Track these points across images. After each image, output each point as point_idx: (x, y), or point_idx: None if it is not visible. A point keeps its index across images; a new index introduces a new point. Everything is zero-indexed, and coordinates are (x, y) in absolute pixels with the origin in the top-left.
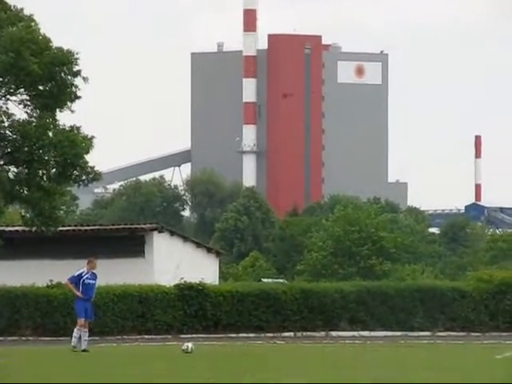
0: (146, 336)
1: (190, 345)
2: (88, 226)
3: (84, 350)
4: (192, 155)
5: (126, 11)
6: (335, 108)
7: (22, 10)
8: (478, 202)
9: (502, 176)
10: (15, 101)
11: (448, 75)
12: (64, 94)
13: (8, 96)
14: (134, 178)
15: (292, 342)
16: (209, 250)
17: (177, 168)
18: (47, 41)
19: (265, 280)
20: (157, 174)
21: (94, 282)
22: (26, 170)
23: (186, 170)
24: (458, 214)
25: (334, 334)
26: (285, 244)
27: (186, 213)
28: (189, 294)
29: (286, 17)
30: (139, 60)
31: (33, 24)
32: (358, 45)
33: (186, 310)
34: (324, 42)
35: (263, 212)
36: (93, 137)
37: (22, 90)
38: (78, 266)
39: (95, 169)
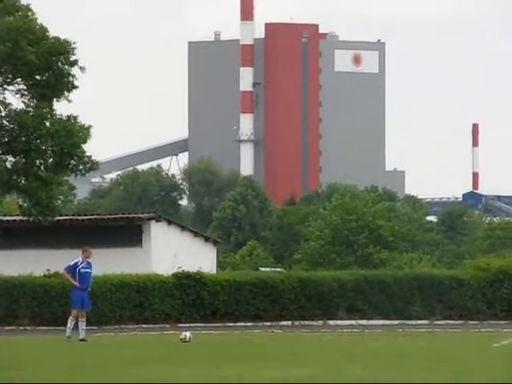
0: (144, 325)
1: (187, 334)
2: (85, 215)
3: (82, 340)
4: (189, 144)
5: (123, 0)
6: (332, 97)
7: None
8: (476, 191)
9: (499, 164)
10: (12, 90)
11: (445, 64)
12: (61, 84)
13: (5, 86)
14: (132, 168)
15: (290, 331)
16: (206, 239)
17: (174, 157)
18: (44, 30)
19: (262, 269)
20: (154, 164)
21: (89, 270)
22: (24, 160)
23: (183, 159)
24: (455, 202)
25: (331, 322)
26: (282, 233)
27: (184, 202)
28: (186, 283)
29: (282, 5)
30: (136, 49)
31: (30, 14)
32: (355, 33)
33: (184, 299)
34: (321, 30)
35: (261, 201)
36: (90, 126)
37: (19, 79)
38: (76, 256)
39: (92, 158)
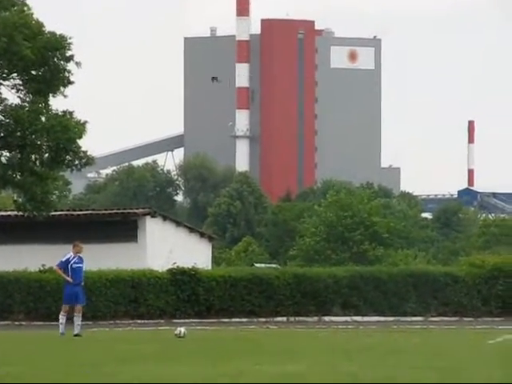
0: (139, 321)
1: (182, 329)
2: (81, 210)
3: (76, 335)
4: (185, 140)
5: None
6: (328, 93)
7: None
8: (471, 187)
9: (494, 161)
10: (8, 85)
11: (441, 60)
12: (57, 79)
13: (1, 81)
14: (127, 163)
15: (285, 327)
16: (202, 235)
17: (170, 153)
18: (40, 25)
19: (257, 265)
20: (150, 159)
21: (81, 265)
22: (19, 155)
23: (178, 154)
24: (450, 199)
25: (326, 318)
26: (278, 229)
27: (179, 198)
28: (181, 279)
29: (278, 1)
30: (132, 45)
31: (26, 9)
32: (351, 30)
33: (179, 295)
34: (317, 27)
35: (256, 197)
36: (86, 122)
37: (15, 74)
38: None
39: (88, 154)
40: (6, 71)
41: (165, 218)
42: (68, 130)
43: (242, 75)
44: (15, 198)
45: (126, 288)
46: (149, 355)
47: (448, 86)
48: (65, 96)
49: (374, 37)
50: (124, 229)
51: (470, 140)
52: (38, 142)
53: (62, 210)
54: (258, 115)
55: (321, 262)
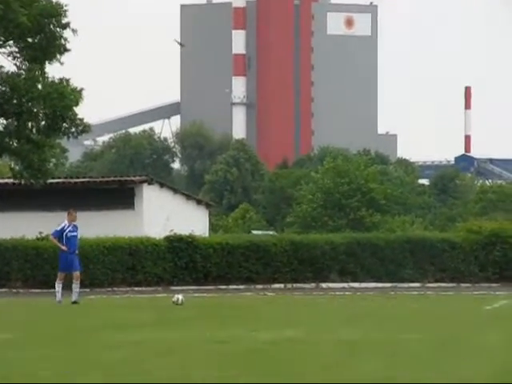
0: (136, 288)
1: (180, 297)
2: (78, 178)
3: (74, 302)
4: (181, 107)
5: None
6: (324, 60)
7: None
8: (468, 154)
9: (491, 127)
10: (4, 53)
11: (438, 26)
12: (53, 47)
13: None
14: (124, 131)
15: (282, 294)
16: (199, 202)
17: (166, 120)
18: None
19: (255, 232)
20: (146, 127)
21: (76, 233)
22: (16, 123)
23: (175, 122)
24: (447, 165)
25: (324, 285)
26: (274, 196)
27: (176, 165)
28: (179, 246)
29: None
30: (128, 11)
31: None
32: None
33: (176, 262)
34: None
35: (253, 164)
36: (82, 89)
37: (11, 42)
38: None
39: (84, 121)
40: (2, 39)
41: (162, 186)
42: (64, 97)
43: (239, 42)
44: (12, 166)
45: (123, 255)
46: (146, 322)
47: (445, 52)
48: (61, 63)
49: (371, 3)
50: (121, 196)
51: (467, 106)
52: (35, 110)
53: (59, 178)
54: (254, 82)
55: (318, 229)
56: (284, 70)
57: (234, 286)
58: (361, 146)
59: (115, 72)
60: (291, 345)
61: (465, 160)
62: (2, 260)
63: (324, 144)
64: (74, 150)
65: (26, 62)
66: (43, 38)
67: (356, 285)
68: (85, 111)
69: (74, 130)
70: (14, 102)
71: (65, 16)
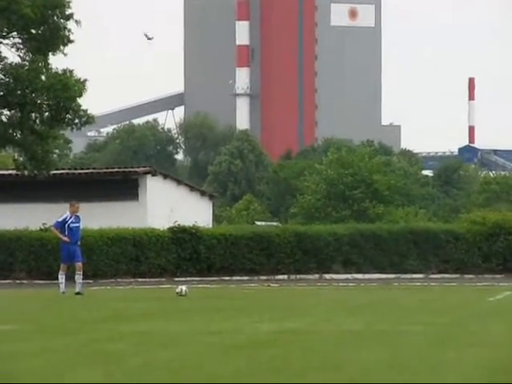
0: (140, 279)
1: (184, 288)
2: (81, 169)
3: (78, 293)
4: (185, 98)
5: None
6: (328, 51)
7: None
8: (472, 145)
9: (495, 118)
10: (8, 44)
11: (441, 17)
12: (56, 38)
13: (0, 39)
14: (128, 122)
15: (286, 285)
16: (202, 193)
17: (170, 111)
18: None
19: (258, 223)
20: (150, 118)
21: (78, 225)
22: (19, 114)
23: (179, 113)
24: (451, 156)
25: (327, 276)
26: (278, 187)
27: (180, 156)
28: (182, 238)
29: None
30: (132, 3)
31: None
32: None
33: (180, 254)
34: None
35: (256, 155)
36: (85, 80)
37: (15, 33)
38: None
39: (88, 112)
40: (5, 30)
41: (165, 177)
42: (68, 88)
43: (242, 33)
44: (16, 157)
45: (127, 246)
46: (150, 313)
47: (449, 43)
48: (65, 54)
49: None
50: (125, 187)
51: (471, 97)
52: (38, 101)
53: (62, 169)
54: (258, 73)
55: (321, 220)
56: (288, 61)
57: (238, 277)
58: (364, 136)
59: (119, 63)
60: (294, 335)
61: (468, 151)
62: (5, 251)
63: (328, 135)
64: (78, 141)
65: (30, 53)
66: (47, 29)
67: (359, 276)
68: (88, 102)
69: (77, 121)
70: (18, 93)
71: (68, 7)
